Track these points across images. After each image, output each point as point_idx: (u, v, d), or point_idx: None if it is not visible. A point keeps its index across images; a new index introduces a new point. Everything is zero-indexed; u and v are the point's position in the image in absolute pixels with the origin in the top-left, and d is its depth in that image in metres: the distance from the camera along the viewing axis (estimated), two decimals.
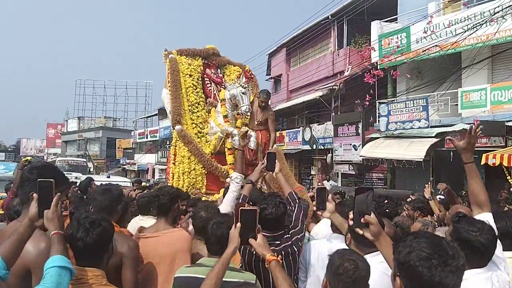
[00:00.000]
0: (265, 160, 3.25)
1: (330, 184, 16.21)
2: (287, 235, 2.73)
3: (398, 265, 1.39)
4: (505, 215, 2.56)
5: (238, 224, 2.01)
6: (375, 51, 14.39)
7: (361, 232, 1.82)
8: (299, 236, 2.76)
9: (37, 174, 2.12)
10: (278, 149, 6.88)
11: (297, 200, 2.97)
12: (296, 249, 2.72)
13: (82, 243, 1.97)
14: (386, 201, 7.12)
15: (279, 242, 2.70)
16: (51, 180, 1.94)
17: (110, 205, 2.77)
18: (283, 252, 2.67)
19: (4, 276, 1.77)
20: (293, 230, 2.78)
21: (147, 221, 4.01)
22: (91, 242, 1.97)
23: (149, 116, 44.65)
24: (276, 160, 3.22)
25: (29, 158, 6.31)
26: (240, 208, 2.07)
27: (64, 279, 1.74)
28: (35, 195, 1.91)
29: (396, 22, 14.60)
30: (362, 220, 1.75)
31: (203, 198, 5.77)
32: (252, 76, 7.49)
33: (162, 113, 35.63)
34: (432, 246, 1.33)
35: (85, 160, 30.99)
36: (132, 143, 43.19)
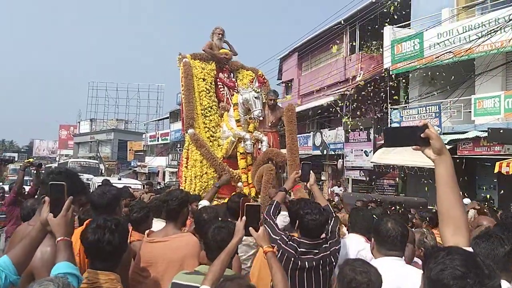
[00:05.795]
0: (300, 170, 3.24)
1: (340, 190, 16.15)
2: (326, 245, 2.73)
3: (429, 283, 1.29)
4: None
5: (244, 218, 2.16)
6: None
7: (428, 153, 1.59)
8: (336, 247, 2.76)
9: (51, 179, 2.06)
10: (292, 106, 6.95)
11: (333, 213, 2.97)
12: (333, 260, 2.71)
13: (95, 246, 1.96)
14: (396, 208, 7.09)
15: (317, 251, 2.68)
16: (63, 183, 1.90)
17: (108, 206, 2.78)
18: (321, 261, 2.66)
19: (15, 281, 1.73)
20: (331, 240, 2.78)
21: (157, 223, 4.04)
22: (105, 245, 1.95)
23: (160, 119, 44.92)
24: (311, 172, 3.21)
25: (31, 160, 6.45)
26: (246, 203, 2.22)
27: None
28: (46, 198, 1.86)
29: (409, 28, 14.53)
30: (422, 135, 1.55)
31: (214, 202, 5.79)
32: (265, 80, 7.53)
33: (173, 116, 35.86)
34: (467, 264, 1.23)
35: (97, 162, 31.25)
36: (143, 146, 43.46)
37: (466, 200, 7.83)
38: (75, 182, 2.22)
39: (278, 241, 2.72)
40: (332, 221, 2.89)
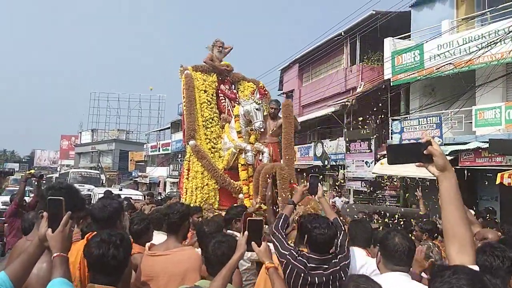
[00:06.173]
0: (308, 183, 3.20)
1: (342, 201, 16.10)
2: (335, 260, 2.69)
3: None
4: None
5: (246, 233, 2.17)
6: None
7: (432, 169, 1.58)
8: (346, 262, 2.73)
9: (50, 195, 2.05)
10: (289, 101, 6.92)
11: (342, 227, 2.92)
12: (343, 275, 2.67)
13: (99, 261, 1.95)
14: (399, 221, 7.07)
15: (327, 266, 2.64)
16: (61, 198, 1.89)
17: (109, 219, 2.79)
18: (331, 276, 2.62)
19: None
20: (340, 255, 2.74)
21: (158, 236, 4.03)
22: (109, 260, 1.94)
23: (161, 129, 45.02)
24: (319, 184, 3.18)
25: (32, 171, 6.46)
26: (248, 218, 2.22)
27: None
28: (44, 213, 1.85)
29: (409, 39, 14.63)
30: (425, 152, 1.54)
31: (215, 213, 5.78)
32: (266, 92, 7.55)
33: (174, 126, 35.96)
34: (473, 284, 1.22)
35: (98, 172, 31.25)
36: (145, 156, 43.52)
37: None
38: (75, 198, 2.21)
39: (287, 256, 2.67)
40: (341, 235, 2.85)
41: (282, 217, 2.99)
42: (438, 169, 1.56)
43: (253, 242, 2.15)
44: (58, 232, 1.79)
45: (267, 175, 5.81)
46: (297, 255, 2.67)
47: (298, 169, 19.96)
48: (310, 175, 3.38)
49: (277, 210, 5.25)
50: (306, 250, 2.75)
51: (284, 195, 5.59)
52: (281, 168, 5.86)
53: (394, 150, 1.68)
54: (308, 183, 3.22)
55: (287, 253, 2.69)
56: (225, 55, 7.44)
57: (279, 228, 2.90)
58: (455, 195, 1.55)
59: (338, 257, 2.71)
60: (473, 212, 7.81)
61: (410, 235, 5.19)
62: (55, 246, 1.78)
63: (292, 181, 6.00)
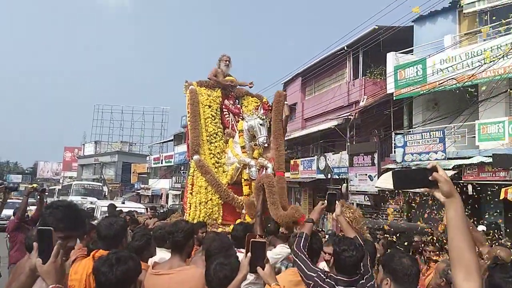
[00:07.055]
0: (325, 201, 3.18)
1: None
2: (362, 281, 2.65)
3: None
4: None
5: (249, 254, 2.17)
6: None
7: (437, 195, 1.58)
8: (372, 282, 2.68)
9: (49, 214, 2.05)
10: (281, 92, 6.92)
11: (363, 245, 2.87)
12: None
13: (105, 278, 1.98)
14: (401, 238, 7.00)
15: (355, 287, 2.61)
16: (50, 228, 1.84)
17: (115, 237, 2.80)
18: None
19: None
20: (367, 275, 2.70)
21: (161, 253, 4.01)
22: (100, 277, 1.99)
23: (164, 142, 45.13)
24: (337, 202, 3.17)
25: (35, 185, 6.43)
26: (251, 239, 2.21)
27: None
28: (35, 244, 1.81)
29: (412, 54, 14.69)
30: (430, 178, 1.55)
31: (219, 229, 5.77)
32: (270, 107, 7.58)
33: (177, 138, 36.04)
34: None
35: (101, 184, 31.19)
36: (147, 168, 43.54)
37: (481, 227, 7.80)
38: (74, 217, 2.16)
39: (315, 278, 2.63)
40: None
41: (303, 236, 2.91)
42: (444, 195, 1.56)
43: (258, 268, 2.15)
44: (50, 263, 1.76)
45: (257, 189, 5.85)
46: (325, 277, 2.63)
47: (300, 183, 19.97)
48: (328, 192, 3.34)
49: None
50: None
51: (271, 201, 5.60)
52: (267, 176, 5.91)
53: (399, 175, 1.68)
54: (325, 201, 3.19)
55: (314, 275, 2.65)
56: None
57: (301, 247, 2.83)
58: (461, 221, 1.54)
59: (365, 278, 2.67)
60: (484, 228, 7.79)
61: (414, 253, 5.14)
62: (48, 278, 1.75)
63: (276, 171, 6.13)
